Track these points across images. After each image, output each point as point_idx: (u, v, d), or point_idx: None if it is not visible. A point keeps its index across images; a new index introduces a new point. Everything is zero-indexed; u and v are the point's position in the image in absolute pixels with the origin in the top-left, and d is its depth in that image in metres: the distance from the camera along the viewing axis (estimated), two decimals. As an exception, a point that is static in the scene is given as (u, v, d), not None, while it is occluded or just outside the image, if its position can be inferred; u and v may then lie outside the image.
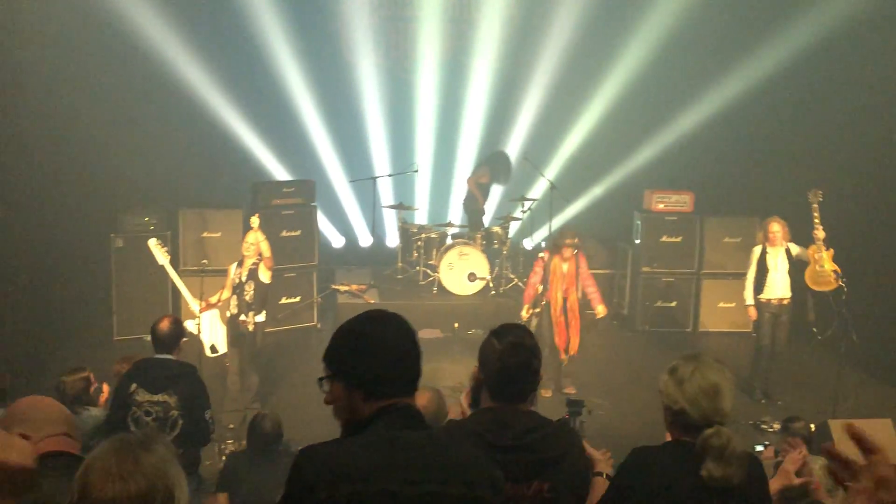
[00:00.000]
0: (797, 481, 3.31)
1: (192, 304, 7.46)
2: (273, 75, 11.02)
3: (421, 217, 11.45)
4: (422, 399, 3.17)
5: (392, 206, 10.72)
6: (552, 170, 11.34)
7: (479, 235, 10.22)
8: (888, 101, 8.90)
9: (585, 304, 8.31)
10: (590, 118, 11.58)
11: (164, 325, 5.02)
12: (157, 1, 9.80)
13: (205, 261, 8.01)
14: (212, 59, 10.48)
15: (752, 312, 8.07)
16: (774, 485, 3.20)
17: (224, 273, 7.62)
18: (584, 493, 2.76)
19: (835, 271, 7.51)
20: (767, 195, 9.82)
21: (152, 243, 7.67)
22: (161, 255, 7.60)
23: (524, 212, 10.25)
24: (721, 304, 10.07)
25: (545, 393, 7.91)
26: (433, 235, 10.30)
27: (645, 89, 11.13)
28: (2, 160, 7.50)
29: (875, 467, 1.38)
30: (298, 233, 9.74)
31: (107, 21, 9.36)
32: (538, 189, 11.07)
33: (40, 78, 8.40)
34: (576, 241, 8.11)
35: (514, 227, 10.60)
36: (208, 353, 7.50)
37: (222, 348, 7.58)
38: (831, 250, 7.61)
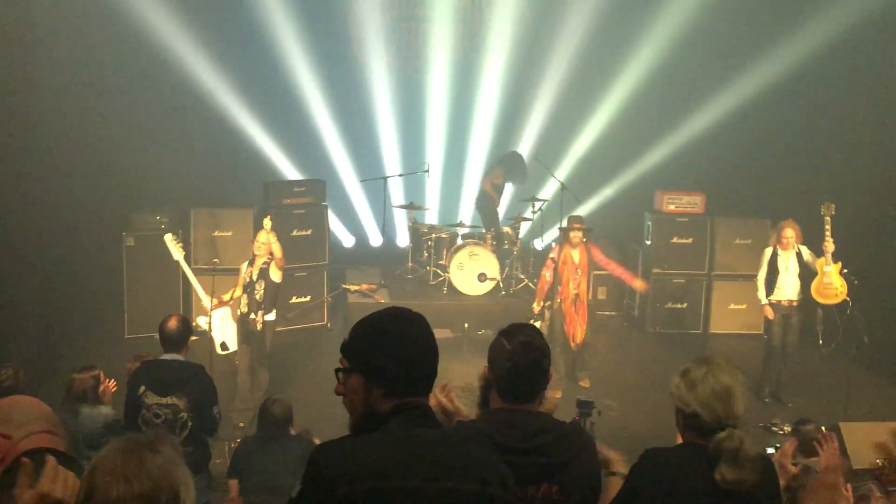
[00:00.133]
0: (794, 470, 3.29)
1: (205, 300, 7.50)
2: (284, 75, 11.06)
3: (431, 217, 11.47)
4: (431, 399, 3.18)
5: (403, 206, 10.74)
6: (563, 170, 11.34)
7: (489, 236, 10.21)
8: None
9: (596, 304, 8.31)
10: (601, 119, 11.57)
11: (172, 323, 4.97)
12: (171, 3, 9.85)
13: (216, 260, 8.09)
14: (223, 60, 10.54)
15: (769, 311, 7.99)
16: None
17: (235, 272, 7.65)
18: (593, 495, 2.74)
19: (844, 275, 7.54)
20: (778, 197, 9.79)
21: (168, 238, 7.78)
22: (176, 251, 7.72)
23: (535, 212, 10.24)
24: (732, 306, 10.03)
25: (555, 394, 7.90)
26: (443, 235, 10.31)
27: (656, 90, 11.10)
28: (17, 160, 7.55)
29: None
30: (309, 232, 9.77)
31: (120, 23, 9.43)
32: (549, 190, 11.06)
33: (54, 79, 8.45)
34: (583, 226, 8.17)
35: (524, 227, 10.61)
36: (218, 350, 7.53)
37: (233, 346, 7.61)
38: (839, 263, 7.61)
